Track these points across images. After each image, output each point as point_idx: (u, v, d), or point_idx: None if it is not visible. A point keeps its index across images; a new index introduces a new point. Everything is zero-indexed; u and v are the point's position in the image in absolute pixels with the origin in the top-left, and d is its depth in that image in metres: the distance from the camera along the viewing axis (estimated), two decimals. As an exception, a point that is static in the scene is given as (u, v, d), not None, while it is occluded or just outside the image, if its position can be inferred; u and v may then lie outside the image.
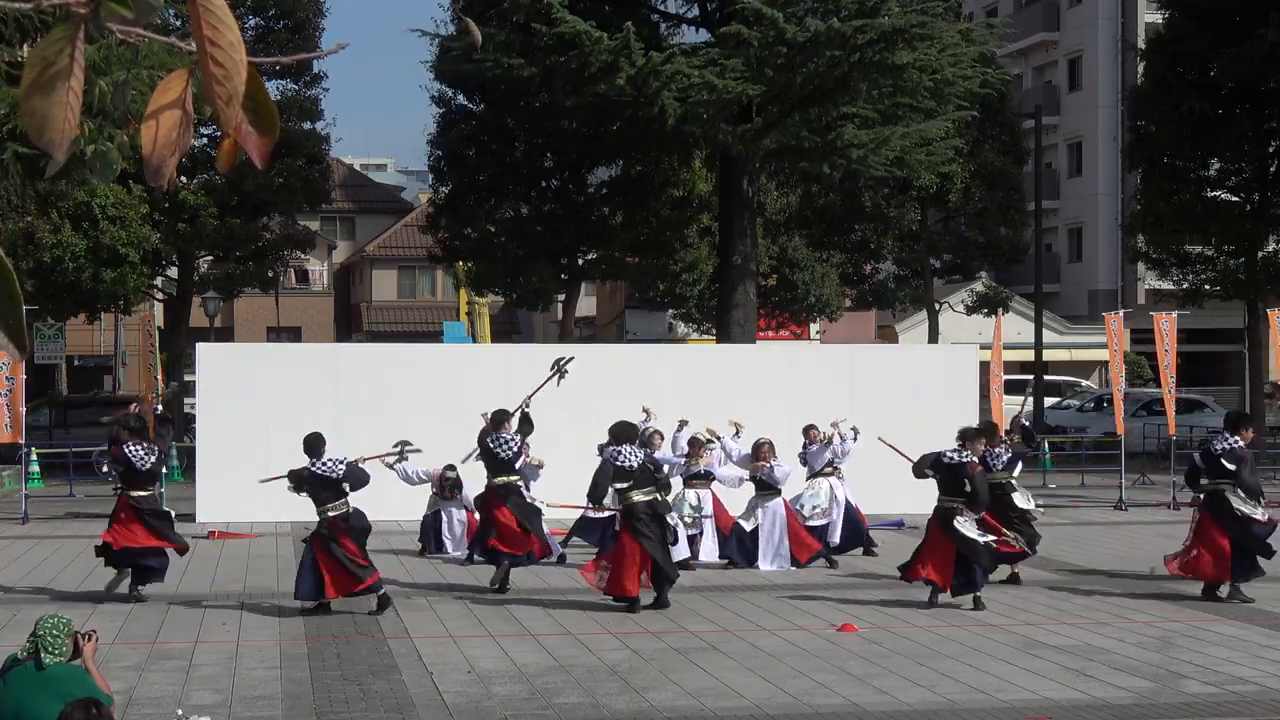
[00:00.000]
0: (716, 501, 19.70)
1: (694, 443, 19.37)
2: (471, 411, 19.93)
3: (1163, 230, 40.44)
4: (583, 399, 23.27)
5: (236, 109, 1.90)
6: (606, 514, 16.93)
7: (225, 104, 1.88)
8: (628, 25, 28.40)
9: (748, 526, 18.93)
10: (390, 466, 18.84)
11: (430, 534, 20.60)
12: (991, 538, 16.19)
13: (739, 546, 18.96)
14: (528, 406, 17.70)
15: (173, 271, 39.89)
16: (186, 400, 36.24)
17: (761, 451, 18.71)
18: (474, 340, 47.45)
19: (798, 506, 19.54)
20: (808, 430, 20.25)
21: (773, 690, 11.82)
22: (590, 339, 51.59)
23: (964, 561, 15.67)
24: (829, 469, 19.96)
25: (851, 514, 20.14)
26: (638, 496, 15.79)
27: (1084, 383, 50.78)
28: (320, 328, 66.12)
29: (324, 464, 15.42)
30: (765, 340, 41.71)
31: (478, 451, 17.62)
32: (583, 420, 21.87)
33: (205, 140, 33.40)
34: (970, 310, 45.66)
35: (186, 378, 35.04)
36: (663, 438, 19.46)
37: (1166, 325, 27.29)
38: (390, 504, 22.50)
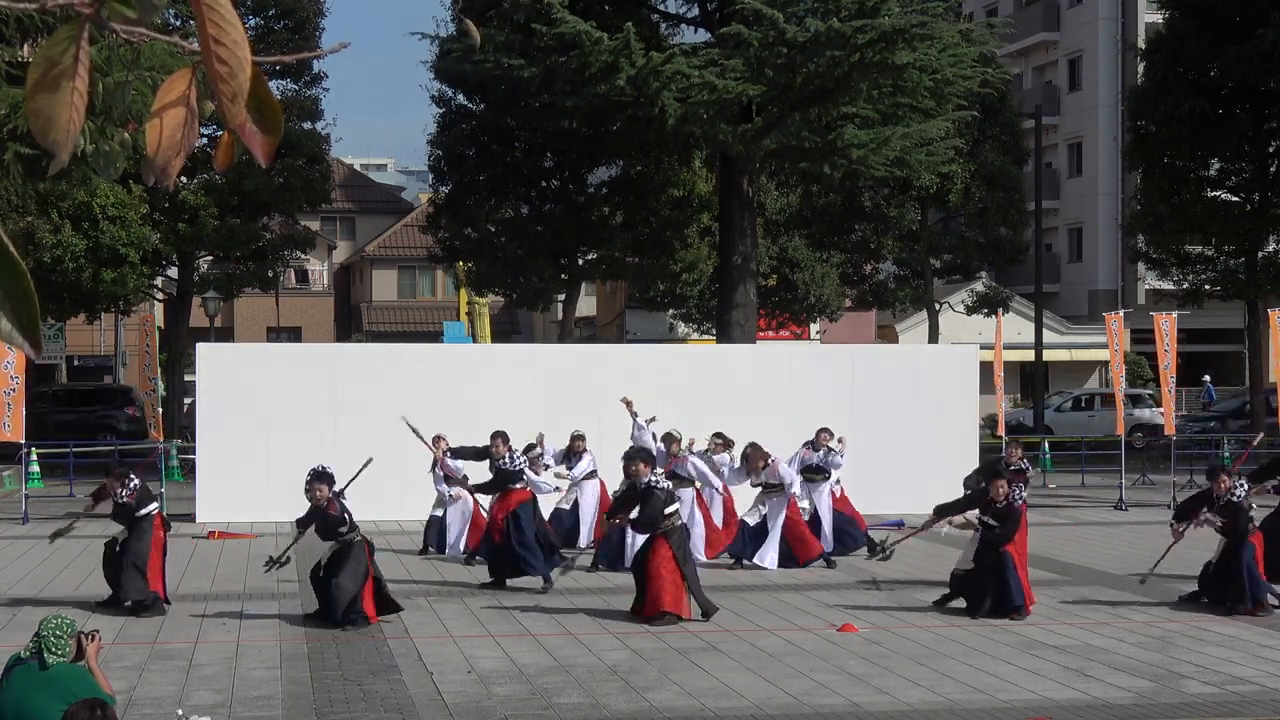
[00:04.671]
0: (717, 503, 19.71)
1: (668, 439, 19.22)
2: (471, 411, 19.98)
3: (1163, 230, 40.47)
4: (583, 399, 23.28)
5: (241, 107, 1.90)
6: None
7: (230, 102, 1.88)
8: (628, 25, 28.41)
9: (752, 521, 18.80)
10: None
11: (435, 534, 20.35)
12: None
13: (750, 544, 18.80)
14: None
15: (173, 271, 39.90)
16: (186, 400, 36.25)
17: (752, 461, 18.34)
18: (474, 340, 47.46)
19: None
20: (819, 433, 19.98)
21: (773, 690, 11.82)
22: (590, 339, 51.58)
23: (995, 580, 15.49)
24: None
25: (843, 520, 20.02)
26: (678, 520, 15.60)
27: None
28: (320, 328, 66.11)
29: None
30: (765, 340, 41.71)
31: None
32: (583, 420, 21.86)
33: (205, 140, 33.43)
34: (970, 310, 45.67)
35: (187, 378, 35.04)
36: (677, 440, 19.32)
37: (1166, 325, 27.29)
38: (390, 504, 22.53)
